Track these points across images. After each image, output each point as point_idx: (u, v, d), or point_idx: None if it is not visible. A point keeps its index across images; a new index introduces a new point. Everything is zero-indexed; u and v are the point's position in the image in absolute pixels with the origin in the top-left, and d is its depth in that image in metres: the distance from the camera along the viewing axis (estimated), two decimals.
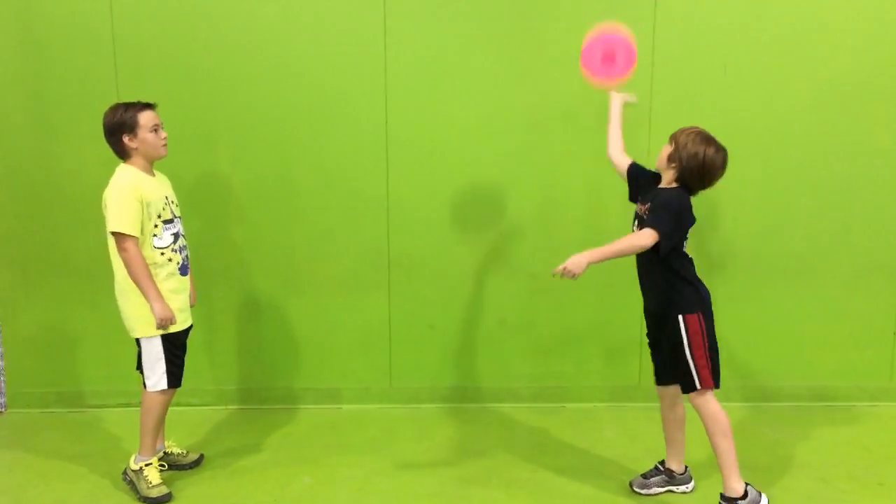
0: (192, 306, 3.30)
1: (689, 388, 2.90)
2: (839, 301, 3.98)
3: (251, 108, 3.82)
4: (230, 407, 4.07)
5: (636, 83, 3.74)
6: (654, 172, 3.02)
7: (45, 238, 3.89)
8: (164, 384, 3.16)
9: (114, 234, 2.98)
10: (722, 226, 3.91)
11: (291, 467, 3.42)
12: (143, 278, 3.00)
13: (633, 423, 3.82)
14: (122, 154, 3.10)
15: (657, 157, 2.92)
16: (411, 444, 3.64)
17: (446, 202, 3.91)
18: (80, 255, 3.89)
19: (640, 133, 3.70)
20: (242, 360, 4.06)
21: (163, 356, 3.13)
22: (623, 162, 3.10)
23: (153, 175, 3.15)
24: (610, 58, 3.03)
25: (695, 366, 2.86)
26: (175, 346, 3.17)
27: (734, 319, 3.95)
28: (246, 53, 3.78)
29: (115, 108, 3.07)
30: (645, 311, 3.07)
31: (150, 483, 3.16)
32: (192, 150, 3.82)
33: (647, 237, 2.73)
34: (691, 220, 2.86)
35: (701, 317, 2.87)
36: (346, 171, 3.88)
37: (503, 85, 3.82)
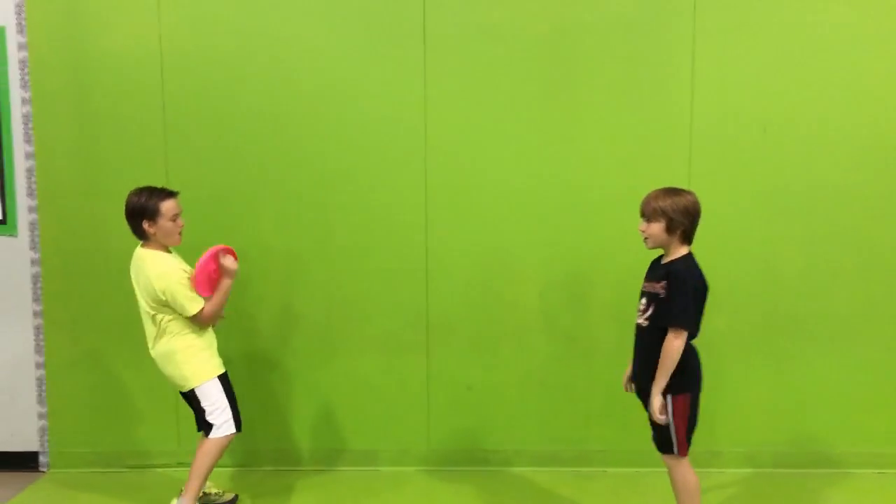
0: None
1: (664, 449, 2.98)
2: (886, 364, 3.87)
3: (293, 172, 3.91)
4: (265, 468, 4.06)
5: (674, 145, 3.80)
6: (649, 269, 3.07)
7: (93, 299, 3.97)
8: (231, 428, 3.29)
9: (195, 315, 3.21)
10: (764, 287, 3.86)
11: None
12: (221, 301, 3.27)
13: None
14: (140, 236, 3.28)
15: (648, 241, 2.95)
16: None
17: (485, 264, 3.92)
18: (125, 316, 3.94)
19: None
20: (279, 420, 4.06)
21: (226, 398, 3.27)
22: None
23: (170, 253, 3.34)
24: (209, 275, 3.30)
25: (675, 437, 2.94)
26: (230, 386, 3.32)
27: (778, 382, 3.88)
28: (288, 118, 3.88)
29: (140, 192, 3.25)
30: (634, 379, 3.08)
31: None
32: (235, 214, 3.91)
33: (679, 339, 2.83)
34: (705, 288, 2.91)
35: (689, 398, 2.92)
36: (384, 232, 3.93)
37: (541, 149, 3.86)
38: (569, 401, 3.98)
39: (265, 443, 4.06)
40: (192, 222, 3.88)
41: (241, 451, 4.05)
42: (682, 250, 2.93)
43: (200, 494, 3.41)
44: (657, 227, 2.90)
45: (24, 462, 4.09)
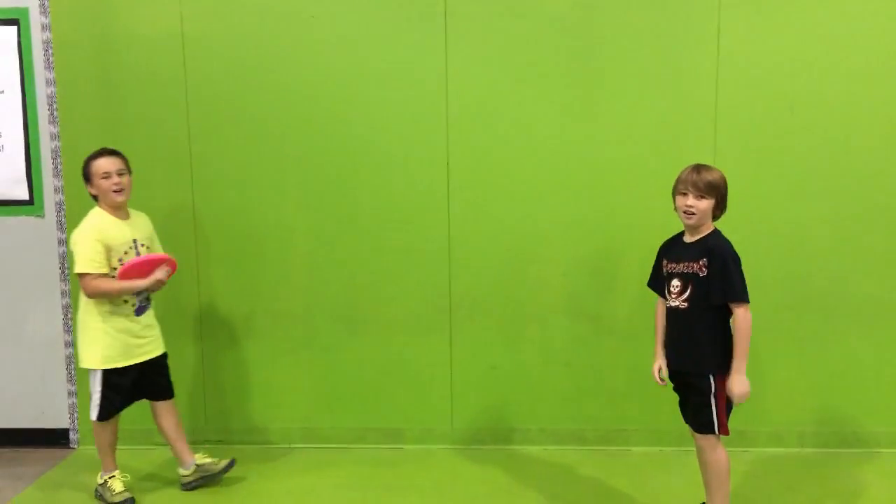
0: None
1: (704, 430, 2.92)
2: None
3: (315, 152, 3.91)
4: (293, 445, 4.10)
5: (699, 124, 3.74)
6: (657, 253, 3.08)
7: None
8: (94, 415, 3.40)
9: (79, 274, 3.25)
10: (795, 268, 3.81)
11: None
12: (120, 289, 3.29)
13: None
14: (94, 199, 3.37)
15: (694, 218, 2.88)
16: (473, 486, 3.61)
17: (508, 243, 3.91)
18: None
19: None
20: (305, 399, 4.09)
21: (99, 390, 3.37)
22: (659, 306, 3.10)
23: (125, 218, 3.38)
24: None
25: (717, 417, 2.89)
26: (112, 384, 3.38)
27: (807, 362, 3.85)
28: (312, 101, 3.87)
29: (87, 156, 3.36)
30: (671, 364, 3.03)
31: (114, 492, 3.45)
32: (258, 195, 3.92)
33: (749, 313, 2.82)
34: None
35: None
36: (408, 213, 3.92)
37: (564, 127, 3.82)
38: (593, 380, 3.97)
39: (292, 421, 4.10)
40: (215, 203, 3.91)
41: (269, 430, 4.09)
42: (711, 226, 2.92)
43: (195, 468, 3.57)
44: (707, 204, 2.85)
45: (55, 439, 4.17)
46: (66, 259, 4.02)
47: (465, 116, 3.85)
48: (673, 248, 3.02)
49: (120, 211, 3.38)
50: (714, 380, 2.87)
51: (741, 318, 2.82)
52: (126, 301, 3.36)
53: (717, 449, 2.94)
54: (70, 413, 4.14)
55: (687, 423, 3.03)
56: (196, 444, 4.02)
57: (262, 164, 3.93)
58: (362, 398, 4.08)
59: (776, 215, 3.78)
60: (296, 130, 3.90)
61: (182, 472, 3.60)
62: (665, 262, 3.02)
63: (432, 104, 3.85)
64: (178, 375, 4.01)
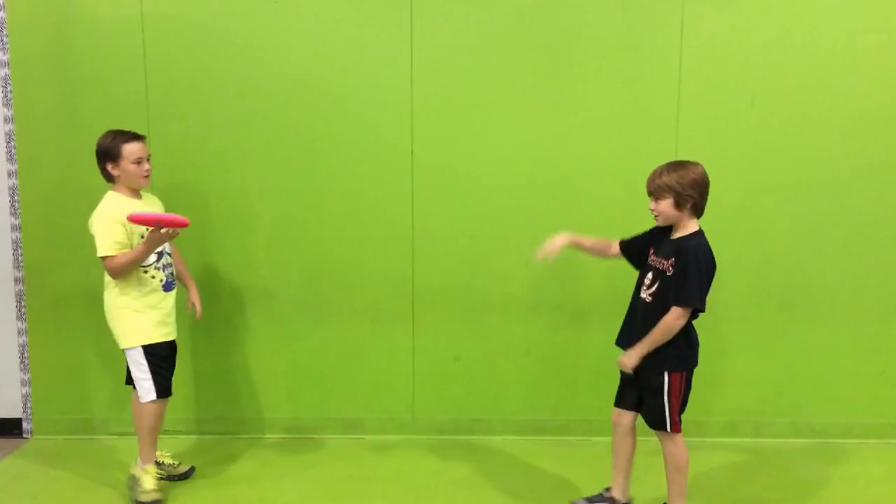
0: (196, 318, 3.56)
1: (657, 426, 2.97)
2: (871, 336, 3.91)
3: (279, 139, 3.86)
4: (252, 435, 4.06)
5: (661, 114, 3.77)
6: (650, 231, 3.05)
7: (77, 267, 3.91)
8: (150, 395, 3.29)
9: (102, 258, 3.17)
10: (753, 260, 3.87)
11: (313, 498, 3.40)
12: (137, 254, 3.16)
13: (659, 456, 3.75)
14: (108, 179, 3.29)
15: (659, 219, 2.91)
16: (434, 477, 3.61)
17: (471, 233, 3.91)
18: None
19: None
20: (265, 388, 4.05)
21: (147, 367, 3.27)
22: (613, 248, 3.13)
23: (139, 198, 3.32)
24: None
25: (668, 414, 2.93)
26: (157, 358, 3.30)
27: (763, 353, 3.91)
28: (275, 87, 3.82)
29: (106, 134, 3.27)
30: (624, 347, 3.04)
31: (144, 489, 3.30)
32: (221, 180, 3.87)
33: (679, 321, 2.82)
34: (714, 268, 2.89)
35: (685, 376, 2.94)
36: (371, 201, 3.90)
37: (529, 118, 3.83)
38: (554, 371, 3.99)
39: (251, 410, 4.06)
40: (177, 188, 3.85)
41: (227, 419, 4.05)
42: (693, 226, 2.89)
43: (155, 457, 3.45)
44: (666, 204, 2.86)
45: (7, 429, 4.08)
46: (19, 245, 3.93)
47: (429, 106, 3.83)
48: (661, 241, 2.99)
49: (135, 193, 3.32)
50: (668, 377, 2.91)
51: (671, 317, 2.83)
52: (153, 277, 3.29)
53: (674, 444, 2.98)
54: (23, 402, 4.06)
55: (619, 406, 3.11)
56: None
57: (224, 150, 3.87)
58: (323, 387, 4.06)
59: (736, 207, 3.82)
60: (258, 116, 3.85)
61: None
62: (651, 250, 3.02)
63: (397, 93, 3.82)
64: None
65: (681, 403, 2.95)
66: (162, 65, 3.81)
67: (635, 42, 3.76)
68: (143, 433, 3.34)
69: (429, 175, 3.87)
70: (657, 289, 2.91)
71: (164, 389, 3.33)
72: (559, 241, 3.10)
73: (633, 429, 3.11)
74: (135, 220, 3.10)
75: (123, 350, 3.32)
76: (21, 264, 3.95)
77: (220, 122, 3.85)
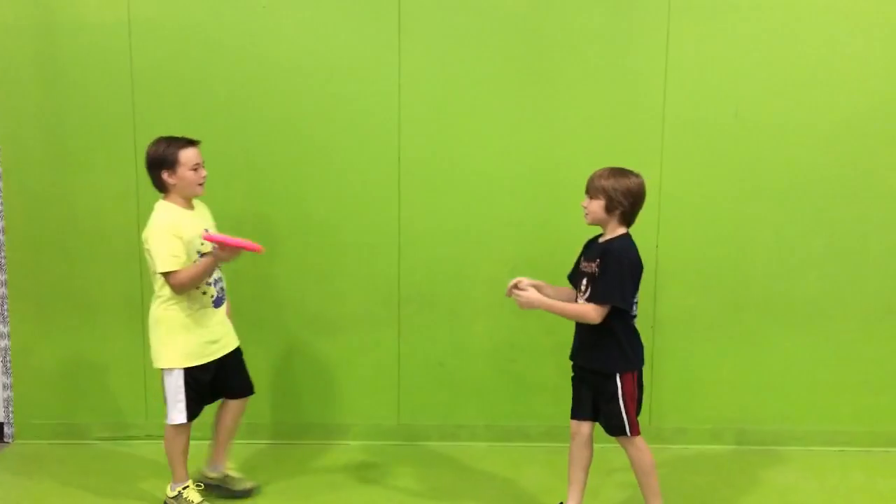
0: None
1: (616, 432, 2.99)
2: (853, 345, 3.94)
3: (265, 144, 3.86)
4: (237, 441, 4.04)
5: (647, 126, 3.80)
6: (581, 250, 3.10)
7: (61, 271, 3.90)
8: (180, 419, 3.18)
9: (163, 274, 3.03)
10: (735, 268, 3.90)
11: (297, 502, 3.40)
12: (200, 270, 3.04)
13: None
14: (161, 188, 3.15)
15: (587, 217, 2.97)
16: (418, 483, 3.61)
17: (457, 239, 3.92)
18: (94, 288, 3.91)
19: (653, 173, 3.69)
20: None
21: (183, 389, 3.15)
22: (568, 289, 3.13)
23: (191, 208, 3.19)
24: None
25: (626, 418, 2.95)
26: (198, 383, 3.19)
27: (745, 361, 3.94)
28: (262, 92, 3.82)
29: (159, 141, 3.12)
30: (574, 358, 3.09)
31: (193, 503, 3.25)
32: (207, 186, 3.82)
33: (593, 313, 2.85)
34: (641, 268, 2.92)
35: (636, 375, 2.97)
36: (358, 207, 3.90)
37: (515, 126, 3.85)
38: (539, 377, 4.00)
39: None
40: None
41: (208, 426, 4.02)
42: (620, 231, 2.94)
43: (224, 475, 3.43)
44: (597, 205, 2.91)
45: None
46: (2, 248, 3.90)
47: (417, 112, 3.84)
48: (590, 247, 3.06)
49: (188, 202, 3.19)
50: (621, 380, 2.93)
51: (588, 309, 2.85)
52: (205, 293, 3.17)
53: (637, 448, 3.00)
54: (6, 406, 4.03)
55: (577, 418, 3.08)
56: (136, 439, 3.96)
57: (209, 155, 3.81)
58: (307, 392, 4.05)
59: (719, 216, 3.85)
60: (244, 122, 3.84)
61: (208, 472, 3.45)
62: (582, 259, 3.07)
63: (384, 99, 3.83)
64: (121, 370, 3.96)
65: (636, 406, 2.99)
66: (148, 70, 3.80)
67: (621, 51, 3.79)
68: (171, 452, 3.25)
69: (416, 181, 3.88)
70: (590, 293, 2.93)
71: (193, 415, 3.22)
72: (526, 294, 2.96)
73: (591, 439, 3.12)
74: (212, 240, 3.00)
75: (161, 369, 3.19)
76: (4, 267, 3.93)
77: (207, 129, 3.82)
